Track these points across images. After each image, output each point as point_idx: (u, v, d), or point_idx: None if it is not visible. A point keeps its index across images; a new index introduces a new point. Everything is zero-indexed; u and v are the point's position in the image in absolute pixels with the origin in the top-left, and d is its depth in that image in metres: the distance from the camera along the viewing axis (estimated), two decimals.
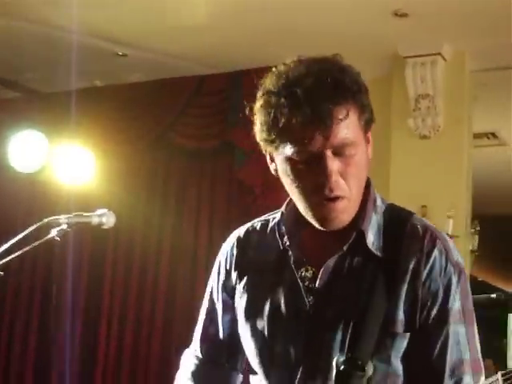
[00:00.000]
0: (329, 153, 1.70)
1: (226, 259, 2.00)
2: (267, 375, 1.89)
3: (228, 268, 1.99)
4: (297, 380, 1.83)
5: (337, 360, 1.77)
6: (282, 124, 1.69)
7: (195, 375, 2.09)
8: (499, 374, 1.41)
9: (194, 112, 5.89)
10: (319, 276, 1.83)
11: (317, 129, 1.67)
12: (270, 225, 1.96)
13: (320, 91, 1.67)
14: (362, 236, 1.82)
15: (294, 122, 1.68)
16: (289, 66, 1.76)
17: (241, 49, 5.46)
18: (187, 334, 2.24)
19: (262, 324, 1.90)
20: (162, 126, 5.92)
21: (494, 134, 6.95)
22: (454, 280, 1.82)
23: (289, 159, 1.73)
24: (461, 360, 1.80)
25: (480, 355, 1.84)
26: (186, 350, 2.15)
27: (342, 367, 1.76)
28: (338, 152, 1.71)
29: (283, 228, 1.90)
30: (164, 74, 5.90)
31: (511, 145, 6.97)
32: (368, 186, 1.87)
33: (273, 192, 5.49)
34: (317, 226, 1.80)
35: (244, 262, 1.97)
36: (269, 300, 1.89)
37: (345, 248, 1.82)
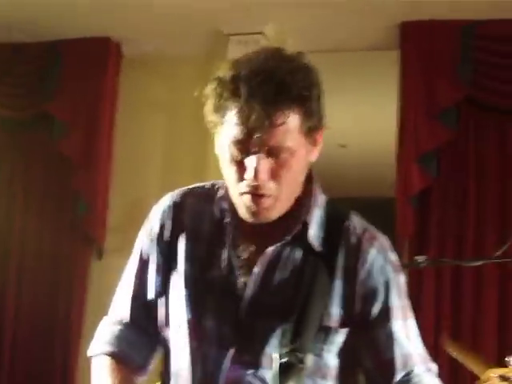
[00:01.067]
0: (261, 154, 1.72)
1: (161, 220, 1.96)
2: (193, 347, 1.87)
3: (162, 230, 1.96)
4: (225, 359, 1.83)
5: (279, 351, 1.77)
6: (223, 115, 1.74)
7: (122, 338, 2.00)
8: None
9: (10, 81, 5.66)
10: (258, 261, 1.84)
11: (253, 130, 1.70)
12: (210, 194, 1.94)
13: (263, 93, 1.68)
14: (304, 228, 1.85)
15: (233, 117, 1.72)
16: (248, 57, 1.77)
17: (60, 18, 5.27)
18: None
19: (196, 294, 1.88)
20: None
21: None
22: (392, 278, 1.87)
23: (227, 146, 1.77)
24: (408, 353, 1.86)
25: (422, 347, 1.90)
26: (104, 317, 2.06)
27: (284, 359, 1.76)
28: (272, 154, 1.73)
29: (224, 205, 1.89)
30: None
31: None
32: (311, 180, 1.90)
33: (91, 164, 5.42)
34: (243, 216, 1.82)
35: (179, 226, 1.94)
36: (203, 271, 1.89)
37: (287, 238, 1.85)
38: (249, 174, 1.75)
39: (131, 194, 5.49)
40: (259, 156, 1.73)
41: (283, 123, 1.71)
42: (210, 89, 1.79)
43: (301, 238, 1.86)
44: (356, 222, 1.92)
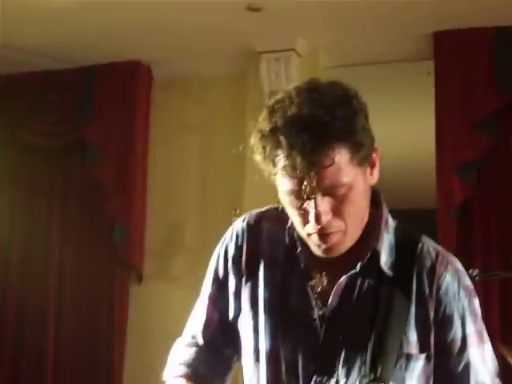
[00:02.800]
0: (319, 196, 1.70)
1: (237, 243, 1.97)
2: (272, 378, 1.86)
3: (237, 253, 1.96)
4: None
5: (360, 381, 1.76)
6: (273, 166, 1.72)
7: (199, 360, 2.01)
8: None
9: (44, 108, 5.68)
10: (333, 292, 1.83)
11: (304, 177, 1.67)
12: (283, 218, 1.90)
13: (303, 141, 1.65)
14: (375, 255, 1.83)
15: (283, 168, 1.69)
16: (283, 102, 1.73)
17: (93, 43, 5.28)
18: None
19: (275, 323, 1.88)
20: (11, 124, 5.66)
21: None
22: (466, 304, 1.83)
23: (284, 195, 1.76)
24: (483, 381, 1.83)
25: (497, 371, 1.87)
26: (178, 339, 2.07)
27: None
28: (329, 193, 1.71)
29: (295, 233, 1.88)
30: (10, 68, 5.64)
31: None
32: (379, 205, 1.89)
33: (126, 190, 5.40)
34: (315, 253, 1.81)
35: (254, 250, 1.95)
36: (279, 299, 1.88)
37: (358, 267, 1.82)
38: (311, 218, 1.73)
39: (168, 218, 5.47)
40: (317, 199, 1.71)
41: (331, 164, 1.67)
42: (254, 140, 1.76)
43: (372, 266, 1.84)
44: (429, 245, 1.88)
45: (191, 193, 5.50)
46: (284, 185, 1.73)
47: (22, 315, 5.54)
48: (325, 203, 1.72)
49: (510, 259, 4.53)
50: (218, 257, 2.00)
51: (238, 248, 1.96)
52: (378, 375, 1.76)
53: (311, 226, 1.75)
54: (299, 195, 1.72)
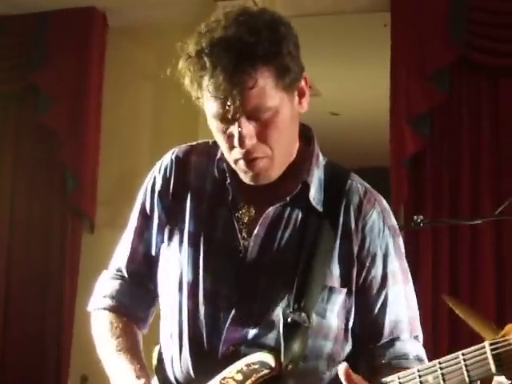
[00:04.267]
0: (243, 119, 1.71)
1: (164, 176, 1.95)
2: (192, 309, 1.85)
3: (165, 186, 1.95)
4: (225, 321, 1.81)
5: (283, 311, 1.77)
6: (198, 90, 1.73)
7: (123, 293, 2.01)
8: (486, 343, 1.33)
9: None
10: (259, 222, 1.84)
11: (227, 98, 1.68)
12: (212, 152, 1.92)
13: (225, 62, 1.66)
14: (305, 189, 1.84)
15: (207, 89, 1.70)
16: (211, 26, 1.74)
17: None
18: None
19: (198, 255, 1.87)
20: None
21: None
22: (391, 243, 1.87)
23: (210, 119, 1.77)
24: (398, 320, 1.86)
25: (417, 313, 1.91)
26: (104, 271, 2.06)
27: (290, 319, 1.76)
28: (254, 117, 1.72)
29: (224, 165, 1.87)
30: None
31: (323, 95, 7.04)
32: (311, 140, 1.90)
33: (79, 137, 5.34)
34: (244, 180, 1.82)
35: (182, 183, 1.94)
36: (203, 231, 1.88)
37: (288, 198, 1.84)
38: (236, 142, 1.74)
39: (121, 166, 5.44)
40: (241, 122, 1.72)
41: (254, 86, 1.69)
42: (181, 64, 1.76)
43: (301, 199, 1.85)
44: (357, 182, 1.91)
45: (144, 141, 5.45)
46: (210, 108, 1.74)
47: None
48: (249, 127, 1.73)
49: (460, 210, 4.58)
50: (146, 190, 1.99)
51: (166, 181, 1.96)
52: (301, 306, 1.78)
53: (237, 151, 1.76)
54: (224, 118, 1.73)
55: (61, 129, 5.37)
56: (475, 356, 1.32)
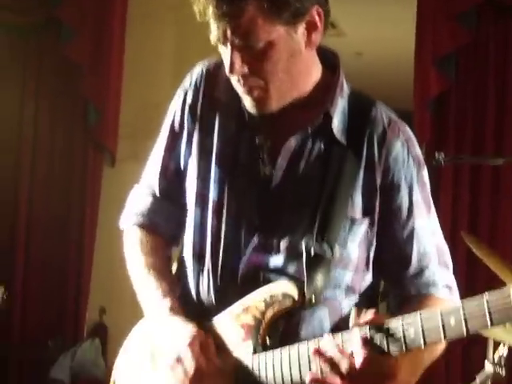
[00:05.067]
0: (234, 47, 1.74)
1: (195, 89, 1.96)
2: (217, 228, 1.87)
3: (194, 99, 1.95)
4: (248, 244, 1.82)
5: (306, 242, 1.77)
6: (201, 17, 1.75)
7: (155, 210, 2.03)
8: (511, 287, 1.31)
9: None
10: (281, 152, 1.83)
11: (220, 26, 1.72)
12: None
13: None
14: (328, 119, 1.82)
15: (205, 17, 1.73)
16: None
17: None
18: None
19: (225, 174, 1.88)
20: None
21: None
22: (415, 173, 1.85)
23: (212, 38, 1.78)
24: (426, 249, 1.85)
25: (444, 242, 1.90)
26: (135, 186, 2.08)
27: (313, 250, 1.76)
28: (245, 46, 1.74)
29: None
30: None
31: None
32: (335, 68, 1.88)
33: (101, 70, 5.31)
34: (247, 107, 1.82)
35: (211, 97, 1.94)
36: (230, 152, 1.88)
37: (310, 129, 1.83)
38: (226, 68, 1.77)
39: (143, 99, 5.40)
40: (231, 49, 1.74)
41: (241, 15, 1.70)
42: None
43: (324, 130, 1.84)
44: (382, 111, 1.89)
45: (167, 74, 5.38)
46: (211, 30, 1.76)
47: None
48: (238, 54, 1.75)
49: (483, 151, 4.55)
50: (176, 105, 1.99)
51: (196, 94, 1.96)
52: (324, 238, 1.78)
53: (232, 77, 1.80)
54: (219, 40, 1.75)
55: (83, 61, 5.32)
56: (499, 300, 1.31)
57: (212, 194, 1.89)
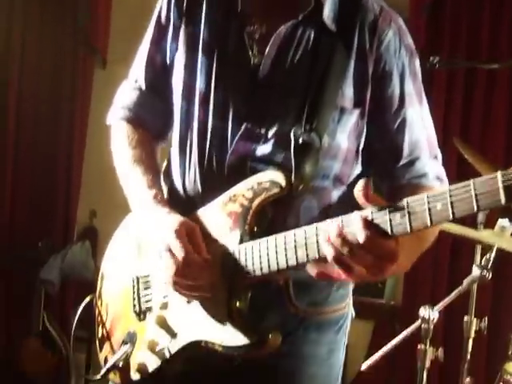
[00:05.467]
0: None
1: None
2: (203, 119, 1.85)
3: None
4: (235, 133, 1.81)
5: (295, 131, 1.76)
6: None
7: (141, 104, 2.03)
8: (499, 173, 1.29)
9: None
10: (271, 41, 1.80)
11: None
12: None
13: None
14: (319, 6, 1.79)
15: None
16: None
17: None
18: None
19: (211, 62, 1.86)
20: None
21: None
22: (407, 62, 1.83)
23: None
24: (417, 140, 1.84)
25: (434, 133, 1.90)
26: (124, 82, 2.08)
27: (301, 139, 1.75)
28: None
29: None
30: None
31: None
32: None
33: None
34: None
35: None
36: (217, 41, 1.86)
37: (300, 17, 1.80)
38: None
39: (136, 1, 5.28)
40: None
41: None
42: None
43: (314, 18, 1.81)
44: (373, 0, 1.85)
45: None
46: None
47: None
48: None
49: (477, 56, 4.48)
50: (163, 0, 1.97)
51: None
52: (313, 127, 1.77)
53: None
54: None
55: None
56: (486, 185, 1.30)
57: (199, 85, 1.87)
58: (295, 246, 1.61)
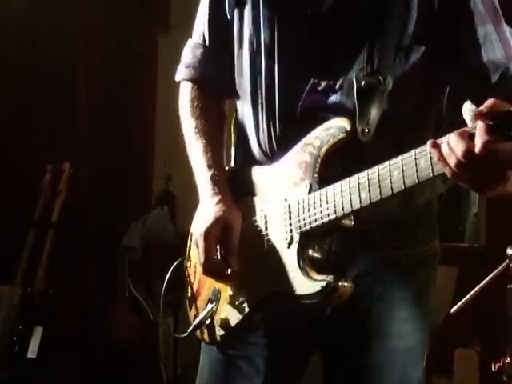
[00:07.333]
0: None
1: None
2: (270, 70, 1.85)
3: None
4: (306, 89, 1.80)
5: (357, 75, 1.74)
6: None
7: (206, 61, 2.03)
8: None
9: None
10: None
11: None
12: None
13: None
14: None
15: None
16: None
17: None
18: None
19: (271, 16, 1.85)
20: None
21: None
22: None
23: None
24: (498, 57, 1.73)
25: None
26: (189, 40, 2.07)
27: (363, 82, 1.73)
28: None
29: None
30: None
31: None
32: None
33: None
34: None
35: None
36: None
37: None
38: None
39: None
40: None
41: None
42: None
43: None
44: None
45: None
46: None
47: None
48: None
49: None
50: None
51: None
52: (375, 68, 1.73)
53: None
54: None
55: None
56: None
57: (263, 38, 1.86)
58: (368, 185, 1.62)
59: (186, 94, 2.06)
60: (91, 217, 5.26)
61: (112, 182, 5.40)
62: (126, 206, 5.19)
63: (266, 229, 1.86)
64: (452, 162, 1.44)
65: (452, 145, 1.44)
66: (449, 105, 1.88)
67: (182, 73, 2.06)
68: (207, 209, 1.91)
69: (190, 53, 2.05)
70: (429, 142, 1.49)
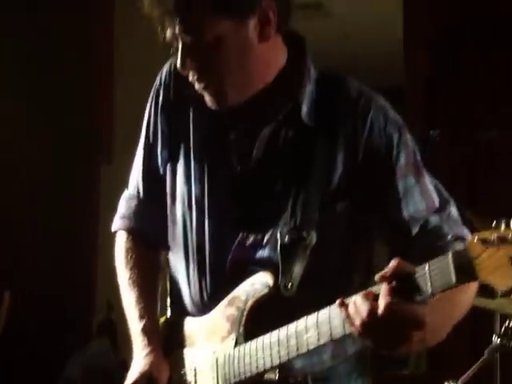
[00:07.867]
0: (184, 46, 1.75)
1: (165, 88, 1.94)
2: (201, 224, 1.87)
3: (166, 97, 1.94)
4: (234, 244, 1.83)
5: (281, 230, 1.77)
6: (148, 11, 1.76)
7: (140, 213, 2.03)
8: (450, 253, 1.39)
9: None
10: (256, 144, 1.83)
11: (164, 21, 1.74)
12: None
13: None
14: (297, 106, 1.80)
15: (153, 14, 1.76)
16: None
17: None
18: None
19: (199, 169, 1.88)
20: None
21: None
22: (396, 137, 1.79)
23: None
24: (418, 210, 1.77)
25: (436, 199, 1.80)
26: (125, 190, 2.07)
27: (287, 238, 1.76)
28: (195, 44, 1.73)
29: None
30: None
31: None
32: (303, 54, 1.85)
33: None
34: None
35: (182, 92, 1.92)
36: (205, 147, 1.88)
37: (280, 117, 1.81)
38: (178, 64, 1.79)
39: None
40: (181, 45, 1.75)
41: (187, 10, 1.71)
42: None
43: (294, 116, 1.81)
44: (352, 85, 1.84)
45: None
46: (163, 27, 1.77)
47: None
48: (188, 50, 1.75)
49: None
50: (150, 105, 1.98)
51: (166, 92, 1.95)
52: (297, 224, 1.77)
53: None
54: (170, 37, 1.76)
55: None
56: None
57: (194, 192, 1.89)
58: (287, 341, 1.67)
59: (121, 243, 2.06)
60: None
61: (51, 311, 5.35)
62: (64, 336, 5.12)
63: (196, 382, 1.86)
64: (357, 321, 1.51)
65: (357, 305, 1.52)
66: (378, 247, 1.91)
67: (117, 223, 2.08)
68: (136, 361, 1.91)
69: (125, 204, 2.06)
70: (337, 302, 1.55)
